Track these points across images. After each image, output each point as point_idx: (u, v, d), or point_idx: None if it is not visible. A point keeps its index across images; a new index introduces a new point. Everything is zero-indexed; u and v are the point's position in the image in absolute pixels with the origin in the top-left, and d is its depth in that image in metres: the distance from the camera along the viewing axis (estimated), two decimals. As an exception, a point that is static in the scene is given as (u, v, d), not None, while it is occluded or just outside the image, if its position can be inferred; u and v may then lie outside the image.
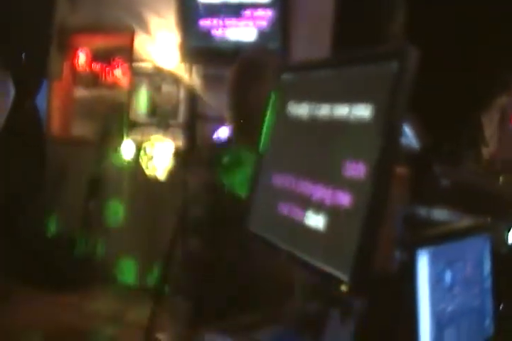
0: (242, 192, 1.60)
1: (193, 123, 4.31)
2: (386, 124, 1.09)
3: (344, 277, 1.04)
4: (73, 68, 4.85)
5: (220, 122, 3.72)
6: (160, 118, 4.57)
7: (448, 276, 1.24)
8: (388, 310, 1.27)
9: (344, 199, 1.14)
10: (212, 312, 1.60)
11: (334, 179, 1.18)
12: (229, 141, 1.95)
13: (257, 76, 1.84)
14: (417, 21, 3.22)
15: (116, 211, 4.49)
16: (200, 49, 4.32)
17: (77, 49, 4.81)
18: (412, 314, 1.20)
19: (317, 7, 3.86)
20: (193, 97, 4.37)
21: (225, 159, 1.81)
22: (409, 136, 2.45)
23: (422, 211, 2.04)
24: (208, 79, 4.38)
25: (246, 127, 1.84)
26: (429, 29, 3.16)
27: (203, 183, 1.84)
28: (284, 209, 1.34)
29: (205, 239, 1.75)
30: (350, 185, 1.13)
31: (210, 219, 1.75)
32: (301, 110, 1.41)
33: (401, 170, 2.34)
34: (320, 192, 1.23)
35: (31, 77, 4.68)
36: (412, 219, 1.93)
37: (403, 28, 3.31)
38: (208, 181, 1.80)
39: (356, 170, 1.13)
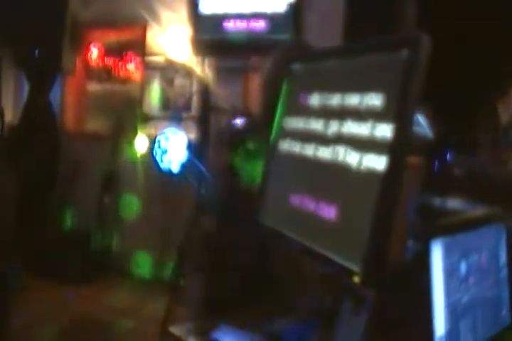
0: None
1: (206, 116, 4.30)
2: (398, 112, 1.08)
3: (356, 268, 1.04)
4: (86, 63, 4.86)
5: (233, 114, 3.72)
6: (173, 111, 4.57)
7: (463, 267, 1.22)
8: (402, 300, 1.26)
9: (357, 189, 1.13)
10: (226, 300, 1.60)
11: (347, 172, 1.17)
12: (252, 128, 1.93)
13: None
14: (430, 9, 3.18)
15: (131, 204, 4.50)
16: (212, 41, 4.30)
17: (89, 44, 4.82)
18: (427, 304, 1.18)
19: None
20: (205, 90, 4.36)
21: (250, 145, 1.81)
22: (422, 125, 2.42)
23: (436, 200, 2.02)
24: (220, 72, 4.37)
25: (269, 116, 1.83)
26: (443, 17, 3.12)
27: (223, 165, 1.83)
28: (296, 200, 1.33)
29: (220, 217, 1.75)
30: (364, 174, 1.12)
31: (226, 198, 1.75)
32: (312, 99, 1.40)
33: (414, 160, 2.32)
34: (332, 182, 1.23)
35: (45, 72, 4.70)
36: (426, 209, 1.92)
37: (416, 17, 3.27)
38: (229, 164, 1.80)
39: (369, 159, 1.12)
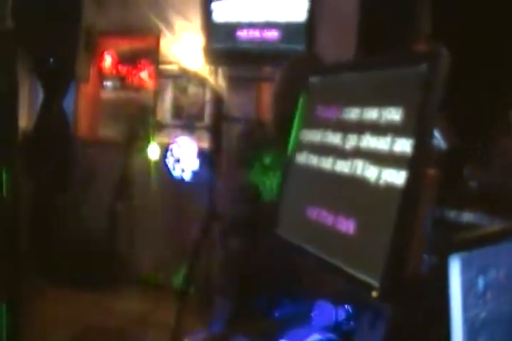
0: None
1: (219, 125, 4.31)
2: (417, 127, 1.08)
3: (374, 282, 1.03)
4: (100, 71, 4.90)
5: (245, 123, 3.73)
6: (186, 120, 4.59)
7: (481, 282, 1.22)
8: (419, 315, 1.26)
9: (375, 203, 1.13)
10: (249, 313, 1.60)
11: (366, 186, 1.17)
12: (267, 141, 1.93)
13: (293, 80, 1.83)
14: (444, 18, 3.18)
15: (142, 211, 4.52)
16: (225, 50, 4.32)
17: (103, 52, 4.86)
18: (444, 320, 1.18)
19: (342, 9, 3.85)
20: (218, 99, 4.38)
21: (267, 160, 1.81)
22: (436, 136, 2.42)
23: (451, 214, 2.02)
24: (233, 81, 4.39)
25: (287, 129, 1.84)
26: (456, 27, 3.12)
27: (242, 181, 1.84)
28: (314, 213, 1.33)
29: (244, 239, 1.75)
30: (383, 189, 1.12)
31: (249, 219, 1.75)
32: (330, 113, 1.41)
33: (430, 172, 2.31)
34: (350, 196, 1.23)
35: (59, 80, 4.74)
36: (441, 222, 1.91)
37: (430, 26, 3.27)
38: (247, 182, 1.80)
39: (388, 174, 1.12)
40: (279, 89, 1.87)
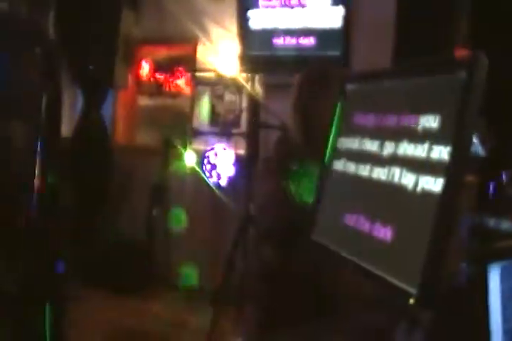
0: (311, 201, 1.61)
1: (256, 132, 4.33)
2: (455, 135, 1.08)
3: (412, 290, 1.03)
4: (138, 78, 4.98)
5: (281, 131, 3.74)
6: (222, 126, 4.63)
7: (520, 291, 1.20)
8: (458, 324, 1.25)
9: (413, 210, 1.13)
10: (283, 322, 1.61)
11: (403, 193, 1.17)
12: (295, 149, 1.95)
13: (323, 88, 1.84)
14: (483, 23, 3.14)
15: (179, 217, 4.56)
16: (261, 57, 4.35)
17: (141, 60, 4.94)
18: (483, 331, 1.17)
19: (379, 15, 3.84)
20: (255, 106, 4.40)
21: (294, 168, 1.82)
22: (475, 143, 2.39)
23: (490, 221, 1.99)
24: (269, 88, 4.40)
25: (312, 137, 1.85)
26: (495, 30, 3.08)
27: (272, 193, 1.85)
28: (351, 220, 1.34)
29: (276, 248, 1.76)
30: (420, 196, 1.12)
31: (281, 228, 1.76)
32: (367, 120, 1.41)
33: (468, 179, 2.28)
34: (387, 203, 1.23)
35: (98, 87, 4.83)
36: (480, 230, 1.89)
37: (468, 34, 3.23)
38: (277, 190, 1.81)
39: (425, 181, 1.12)
40: (297, 93, 1.88)
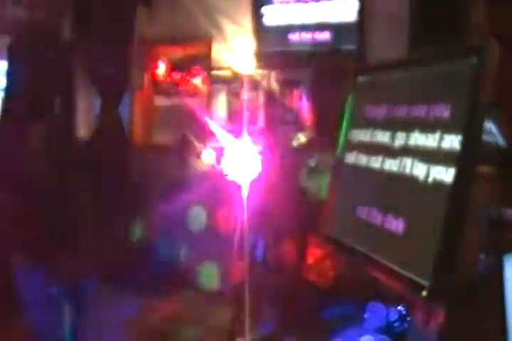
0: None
1: (273, 129, 4.31)
2: (466, 123, 1.06)
3: (424, 282, 1.01)
4: (153, 78, 4.98)
5: (299, 126, 3.72)
6: (239, 124, 4.61)
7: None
8: (474, 316, 1.22)
9: (424, 201, 1.11)
10: (299, 314, 1.60)
11: (415, 184, 1.15)
12: (311, 144, 1.94)
13: (336, 80, 1.83)
14: (498, 13, 3.09)
15: (198, 215, 4.55)
16: (277, 54, 4.33)
17: (157, 59, 4.94)
18: (500, 319, 1.14)
19: (393, 7, 3.79)
20: (271, 103, 4.38)
21: (311, 162, 1.81)
22: (494, 132, 2.35)
23: (509, 213, 1.95)
24: (285, 84, 4.38)
25: (326, 130, 1.83)
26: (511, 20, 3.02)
27: (291, 186, 1.84)
28: (363, 212, 1.32)
29: (294, 241, 1.75)
30: (431, 187, 1.10)
31: (301, 221, 1.75)
32: (378, 111, 1.39)
33: (485, 170, 2.24)
34: (399, 194, 1.21)
35: (115, 88, 4.85)
36: (498, 222, 1.85)
37: (485, 21, 3.17)
38: (295, 184, 1.80)
39: (437, 171, 1.10)
40: (309, 86, 1.87)
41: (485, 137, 2.49)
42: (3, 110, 4.10)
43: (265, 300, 1.91)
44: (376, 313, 1.35)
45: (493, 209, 1.87)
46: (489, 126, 2.54)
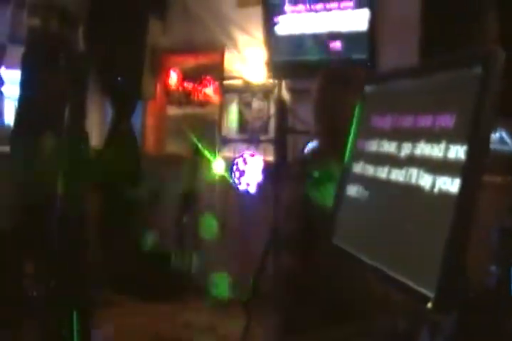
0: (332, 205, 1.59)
1: (284, 138, 4.31)
2: (472, 133, 1.05)
3: (430, 293, 1.00)
4: (166, 87, 5.01)
5: (310, 136, 3.72)
6: (251, 133, 4.63)
7: (546, 293, 1.16)
8: (483, 327, 1.21)
9: (430, 211, 1.10)
10: (304, 326, 1.59)
11: (419, 195, 1.14)
12: (317, 154, 1.94)
13: (342, 89, 1.82)
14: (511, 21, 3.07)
15: (210, 225, 4.56)
16: (288, 63, 4.34)
17: (169, 69, 4.97)
18: (509, 336, 1.13)
19: (404, 16, 3.79)
20: (283, 112, 4.39)
21: (316, 173, 1.81)
22: (508, 142, 2.34)
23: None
24: (297, 93, 4.39)
25: (333, 140, 1.83)
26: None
27: (294, 198, 1.84)
28: (368, 223, 1.31)
29: (297, 253, 1.75)
30: (437, 197, 1.09)
31: (302, 233, 1.74)
32: (385, 121, 1.38)
33: (499, 179, 2.22)
34: (405, 205, 1.20)
35: (127, 98, 4.89)
36: (511, 232, 1.83)
37: (496, 32, 3.16)
38: (299, 195, 1.80)
39: (442, 182, 1.09)
40: (317, 94, 1.86)
41: (497, 146, 2.47)
42: (16, 119, 4.15)
43: (271, 310, 1.90)
44: (382, 322, 1.35)
45: (505, 219, 1.85)
46: (502, 135, 2.53)
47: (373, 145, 1.42)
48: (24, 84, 3.70)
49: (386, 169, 1.32)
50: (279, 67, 4.38)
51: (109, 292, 4.19)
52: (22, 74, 3.87)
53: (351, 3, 4.00)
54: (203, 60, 4.87)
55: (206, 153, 4.51)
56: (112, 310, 3.88)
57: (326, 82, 1.88)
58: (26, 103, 3.61)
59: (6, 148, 3.95)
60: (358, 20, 3.97)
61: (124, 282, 4.37)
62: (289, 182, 1.95)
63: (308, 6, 4.19)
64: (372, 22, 3.91)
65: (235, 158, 4.36)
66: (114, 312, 3.88)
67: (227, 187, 4.41)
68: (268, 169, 4.26)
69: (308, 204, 1.73)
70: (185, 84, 4.89)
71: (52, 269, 2.34)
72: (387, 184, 1.29)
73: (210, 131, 4.76)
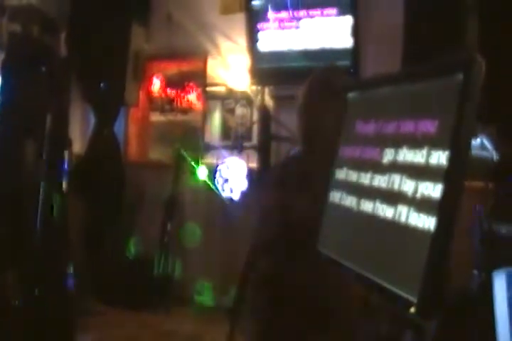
0: (312, 213, 1.59)
1: (267, 145, 4.32)
2: (453, 138, 1.06)
3: (412, 298, 1.01)
4: (149, 94, 4.99)
5: (293, 143, 3.73)
6: (234, 140, 4.62)
7: (528, 298, 1.17)
8: (465, 332, 1.21)
9: (412, 218, 1.11)
10: (282, 335, 1.59)
11: (404, 199, 1.15)
12: (297, 159, 1.94)
13: (327, 96, 1.83)
14: (491, 32, 3.11)
15: (193, 232, 4.54)
16: (271, 70, 4.35)
17: (152, 75, 4.96)
18: (492, 335, 1.13)
19: (387, 23, 3.81)
20: (266, 119, 4.39)
21: (294, 178, 1.81)
22: (488, 148, 2.35)
23: (502, 228, 1.95)
24: (280, 100, 4.40)
25: (316, 146, 1.83)
26: (505, 34, 3.04)
27: (273, 203, 1.83)
28: (352, 230, 1.32)
29: (275, 260, 1.74)
30: (419, 203, 1.09)
31: (281, 240, 1.74)
32: (368, 128, 1.39)
33: (480, 185, 2.24)
34: (389, 211, 1.21)
35: (109, 104, 4.86)
36: (491, 237, 1.85)
37: (478, 37, 3.19)
38: (277, 200, 1.80)
39: (425, 187, 1.10)
40: (301, 101, 1.87)
41: (478, 152, 2.49)
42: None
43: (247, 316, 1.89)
44: (365, 327, 1.35)
45: (486, 225, 1.86)
46: (484, 141, 2.54)
47: (357, 152, 1.43)
48: (4, 91, 3.67)
49: (369, 175, 1.33)
50: (261, 74, 4.39)
51: (92, 301, 4.15)
52: (2, 81, 3.83)
53: (334, 11, 4.02)
54: (186, 66, 4.86)
55: (189, 159, 4.49)
56: (96, 319, 3.85)
57: (311, 89, 1.89)
58: (6, 109, 3.57)
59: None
60: (341, 27, 3.99)
61: (107, 291, 4.33)
62: (268, 187, 1.94)
63: (291, 13, 4.20)
64: (356, 29, 3.93)
65: (218, 165, 4.35)
66: (97, 321, 3.84)
67: (211, 194, 4.40)
68: (252, 176, 4.26)
69: (286, 210, 1.73)
70: (169, 90, 4.87)
71: (34, 278, 2.32)
72: (370, 190, 1.30)
73: (193, 137, 4.76)
